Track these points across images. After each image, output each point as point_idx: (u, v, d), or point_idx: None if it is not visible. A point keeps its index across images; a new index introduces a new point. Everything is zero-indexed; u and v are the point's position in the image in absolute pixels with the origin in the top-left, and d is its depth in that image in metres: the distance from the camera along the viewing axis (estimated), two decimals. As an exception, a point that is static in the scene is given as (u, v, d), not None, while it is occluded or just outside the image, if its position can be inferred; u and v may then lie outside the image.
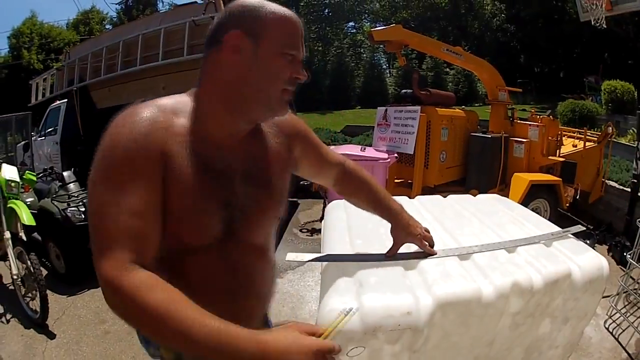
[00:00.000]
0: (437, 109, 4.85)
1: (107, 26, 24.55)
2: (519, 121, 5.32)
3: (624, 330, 2.89)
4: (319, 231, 4.91)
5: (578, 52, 22.00)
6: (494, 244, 1.45)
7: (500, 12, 24.92)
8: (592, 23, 5.28)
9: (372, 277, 1.28)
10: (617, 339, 2.86)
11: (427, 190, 4.57)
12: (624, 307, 3.11)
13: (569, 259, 1.42)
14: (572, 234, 1.61)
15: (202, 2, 4.07)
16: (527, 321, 1.36)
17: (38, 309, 3.08)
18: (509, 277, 1.30)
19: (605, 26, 5.27)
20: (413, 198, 2.11)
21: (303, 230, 4.94)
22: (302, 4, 24.11)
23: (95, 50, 4.58)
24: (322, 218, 5.16)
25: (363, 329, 1.10)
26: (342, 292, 1.23)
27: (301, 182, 5.27)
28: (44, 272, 3.22)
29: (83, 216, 3.59)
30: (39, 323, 3.09)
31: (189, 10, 4.13)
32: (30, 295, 3.17)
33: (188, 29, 3.79)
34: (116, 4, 26.69)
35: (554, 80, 23.00)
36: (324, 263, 1.48)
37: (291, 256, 1.51)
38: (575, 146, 5.50)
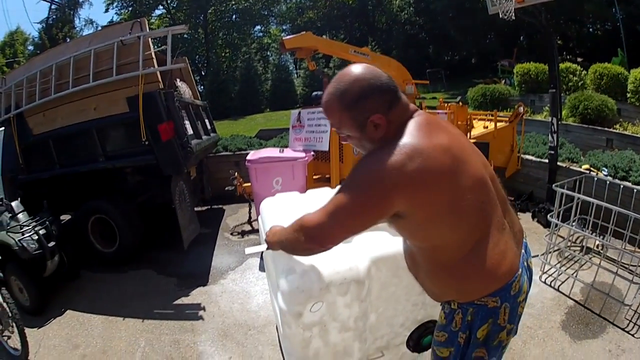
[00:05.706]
0: (347, 107, 5.14)
1: (29, 47, 22.83)
2: (427, 110, 5.68)
3: (562, 282, 3.30)
4: (249, 233, 5.10)
5: (491, 38, 22.64)
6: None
7: (409, 6, 24.76)
8: (500, 16, 5.51)
9: None
10: (557, 290, 3.25)
11: (345, 182, 4.83)
12: (558, 262, 3.57)
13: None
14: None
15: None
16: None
17: (18, 346, 2.92)
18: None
19: (514, 18, 5.46)
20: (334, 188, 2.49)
21: (234, 234, 5.04)
22: (210, 11, 23.74)
23: (29, 75, 4.34)
24: (249, 220, 5.34)
25: (318, 286, 1.39)
26: (296, 261, 1.50)
27: (226, 189, 5.34)
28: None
29: (37, 245, 3.46)
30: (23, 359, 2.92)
31: (117, 31, 4.09)
32: (7, 332, 2.95)
33: (116, 49, 3.82)
34: (38, 22, 25.90)
35: (465, 66, 23.86)
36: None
37: (249, 250, 1.74)
38: (487, 127, 5.91)
